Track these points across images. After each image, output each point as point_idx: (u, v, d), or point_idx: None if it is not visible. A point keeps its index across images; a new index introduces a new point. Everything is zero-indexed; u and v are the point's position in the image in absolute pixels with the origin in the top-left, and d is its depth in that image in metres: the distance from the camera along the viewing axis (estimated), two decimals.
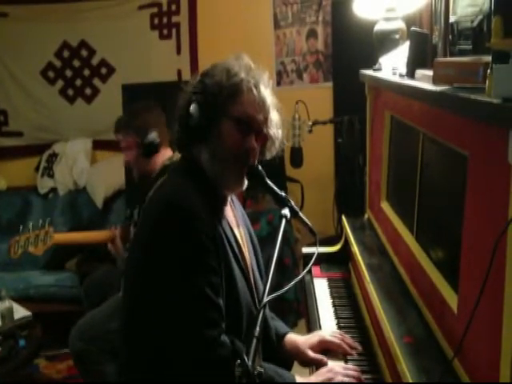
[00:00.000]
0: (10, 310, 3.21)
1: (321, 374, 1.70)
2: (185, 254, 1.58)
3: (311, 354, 1.83)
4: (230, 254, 1.69)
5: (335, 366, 1.72)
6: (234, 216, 1.87)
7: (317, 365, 1.80)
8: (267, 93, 1.75)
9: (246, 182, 1.76)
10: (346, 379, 1.65)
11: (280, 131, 1.81)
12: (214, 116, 1.68)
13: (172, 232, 1.58)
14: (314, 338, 1.89)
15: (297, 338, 1.91)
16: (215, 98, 1.67)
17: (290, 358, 1.90)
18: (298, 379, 1.68)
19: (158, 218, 1.64)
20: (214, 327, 1.57)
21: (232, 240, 1.73)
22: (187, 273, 1.57)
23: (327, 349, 1.86)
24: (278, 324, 1.96)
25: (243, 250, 1.80)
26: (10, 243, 2.87)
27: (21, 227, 2.92)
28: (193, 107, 1.68)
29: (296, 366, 1.91)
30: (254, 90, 1.71)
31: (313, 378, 1.70)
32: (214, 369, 1.57)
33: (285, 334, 1.93)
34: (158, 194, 1.80)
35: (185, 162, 1.81)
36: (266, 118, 1.75)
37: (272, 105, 1.77)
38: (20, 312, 3.32)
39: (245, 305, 1.70)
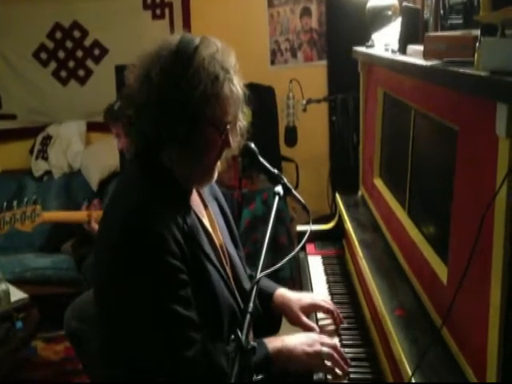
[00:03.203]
0: (7, 293, 3.22)
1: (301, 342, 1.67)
2: (148, 279, 1.48)
3: (304, 318, 1.84)
4: (200, 253, 1.60)
5: (312, 335, 1.73)
6: (200, 199, 1.80)
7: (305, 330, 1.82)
8: (238, 81, 1.63)
9: (216, 175, 1.70)
10: (325, 349, 1.65)
11: (245, 123, 1.73)
12: (195, 123, 1.55)
13: (133, 258, 1.48)
14: (306, 299, 1.90)
15: (288, 295, 1.91)
16: (197, 105, 1.53)
17: (279, 315, 1.91)
18: (274, 343, 1.65)
19: (118, 242, 1.51)
20: (191, 346, 1.50)
21: (201, 233, 1.63)
22: (154, 298, 1.48)
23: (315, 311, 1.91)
24: (265, 283, 1.93)
25: (213, 236, 1.71)
26: None
27: (4, 204, 2.91)
28: (174, 118, 1.53)
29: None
30: (232, 87, 1.59)
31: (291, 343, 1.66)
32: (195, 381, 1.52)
33: (274, 291, 1.92)
34: (115, 210, 1.62)
35: (143, 163, 1.66)
36: (238, 112, 1.66)
37: (242, 93, 1.65)
38: (16, 294, 3.33)
39: (222, 299, 1.63)
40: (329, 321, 1.90)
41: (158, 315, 1.49)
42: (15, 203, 2.94)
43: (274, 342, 1.64)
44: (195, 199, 1.75)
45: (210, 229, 1.73)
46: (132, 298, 1.49)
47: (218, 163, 1.68)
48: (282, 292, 1.93)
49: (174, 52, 1.56)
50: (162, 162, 1.62)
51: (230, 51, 1.63)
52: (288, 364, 1.64)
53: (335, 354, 1.64)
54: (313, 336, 1.71)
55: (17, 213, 2.92)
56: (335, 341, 1.77)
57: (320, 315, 1.94)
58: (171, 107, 1.53)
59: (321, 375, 1.64)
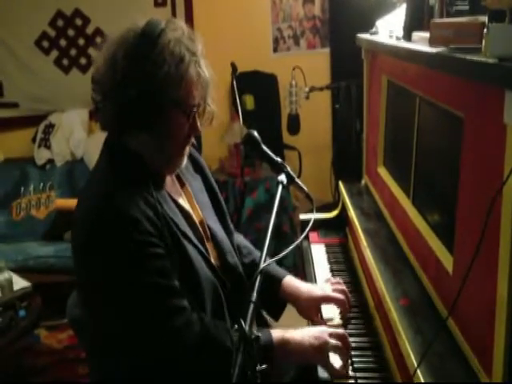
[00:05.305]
0: (10, 281, 3.22)
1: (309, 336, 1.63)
2: (123, 257, 1.50)
3: (315, 316, 1.85)
4: (177, 231, 1.60)
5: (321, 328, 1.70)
6: (176, 179, 1.79)
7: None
8: (206, 65, 1.62)
9: (185, 160, 1.71)
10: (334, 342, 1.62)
11: (214, 107, 1.70)
12: (160, 105, 1.54)
13: (107, 241, 1.50)
14: (316, 292, 1.87)
15: (298, 286, 1.89)
16: (162, 87, 1.52)
17: (283, 303, 1.91)
18: (280, 333, 1.62)
19: (91, 227, 1.53)
20: (179, 314, 1.52)
21: (176, 213, 1.65)
22: (132, 273, 1.50)
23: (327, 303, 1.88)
24: (274, 268, 1.93)
25: (191, 214, 1.73)
26: (11, 206, 2.86)
27: (22, 189, 2.90)
28: (139, 100, 1.52)
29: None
30: (199, 70, 1.58)
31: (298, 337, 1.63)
32: (183, 357, 1.53)
33: (283, 277, 1.91)
34: (87, 196, 1.63)
35: (114, 149, 1.66)
36: (206, 96, 1.65)
37: (210, 77, 1.64)
38: (19, 283, 3.33)
39: (202, 275, 1.63)
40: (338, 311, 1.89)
41: (141, 289, 1.50)
42: (31, 188, 2.93)
43: (279, 333, 1.62)
44: (169, 179, 1.74)
45: (187, 207, 1.74)
46: (111, 279, 1.51)
47: (187, 148, 1.68)
48: (292, 281, 1.91)
49: (139, 34, 1.56)
50: (129, 147, 1.63)
51: (197, 36, 1.63)
52: (292, 356, 1.61)
53: (342, 346, 1.62)
54: (321, 328, 1.68)
55: (32, 199, 2.91)
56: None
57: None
58: (136, 89, 1.52)
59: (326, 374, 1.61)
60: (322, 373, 1.61)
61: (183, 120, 1.60)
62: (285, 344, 1.59)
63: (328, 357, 1.60)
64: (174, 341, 1.51)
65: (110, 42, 1.60)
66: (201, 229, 1.74)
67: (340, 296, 1.86)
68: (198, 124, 1.64)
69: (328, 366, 1.60)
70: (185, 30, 1.61)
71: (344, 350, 1.62)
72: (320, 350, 1.60)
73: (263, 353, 1.47)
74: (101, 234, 1.51)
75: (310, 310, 1.86)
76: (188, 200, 1.78)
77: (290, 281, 1.92)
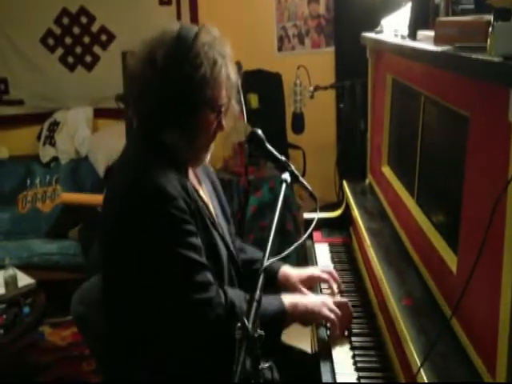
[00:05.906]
0: (14, 278, 3.24)
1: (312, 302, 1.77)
2: (160, 229, 1.59)
3: (302, 288, 1.96)
4: (203, 216, 1.72)
5: (326, 299, 1.80)
6: (195, 175, 1.89)
7: None
8: (232, 67, 1.75)
9: (209, 156, 1.82)
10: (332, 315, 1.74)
11: (238, 107, 1.86)
12: (194, 104, 1.67)
13: (143, 212, 1.59)
14: (306, 273, 2.02)
15: (289, 272, 2.02)
16: (197, 88, 1.65)
17: (279, 289, 1.99)
18: (287, 299, 1.74)
19: (128, 199, 1.63)
20: (205, 290, 1.60)
21: (199, 202, 1.74)
22: (167, 245, 1.59)
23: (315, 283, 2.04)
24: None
25: (209, 206, 1.83)
26: (17, 198, 2.87)
27: (28, 182, 2.92)
28: (176, 98, 1.65)
29: None
30: (229, 72, 1.72)
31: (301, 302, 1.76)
32: (212, 330, 1.60)
33: (277, 269, 2.01)
34: (122, 176, 1.73)
35: (145, 142, 1.76)
36: (231, 96, 1.77)
37: (235, 79, 1.77)
38: (24, 280, 3.35)
39: (225, 262, 1.77)
40: (329, 290, 2.01)
41: (174, 260, 1.59)
42: (38, 181, 2.95)
43: (289, 298, 1.76)
44: (191, 175, 1.85)
45: (206, 200, 1.84)
46: (147, 248, 1.59)
47: (212, 145, 1.79)
48: (285, 269, 2.02)
49: (175, 37, 1.68)
50: (163, 141, 1.73)
51: (225, 41, 1.76)
52: (302, 316, 1.74)
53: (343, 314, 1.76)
54: (326, 296, 1.86)
55: (38, 192, 2.93)
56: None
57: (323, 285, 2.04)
58: (174, 88, 1.64)
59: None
60: (326, 373, 1.61)
61: (212, 118, 1.73)
62: (294, 307, 1.73)
63: (331, 312, 1.74)
64: (197, 314, 1.60)
65: (145, 44, 1.71)
66: (216, 222, 1.83)
67: (323, 275, 2.01)
68: (224, 123, 1.76)
69: (330, 320, 1.74)
70: (216, 34, 1.74)
71: (345, 318, 1.76)
72: (324, 306, 1.75)
73: (277, 317, 1.68)
74: (140, 206, 1.60)
75: (299, 290, 1.96)
76: (205, 196, 1.88)
77: (283, 270, 2.02)
